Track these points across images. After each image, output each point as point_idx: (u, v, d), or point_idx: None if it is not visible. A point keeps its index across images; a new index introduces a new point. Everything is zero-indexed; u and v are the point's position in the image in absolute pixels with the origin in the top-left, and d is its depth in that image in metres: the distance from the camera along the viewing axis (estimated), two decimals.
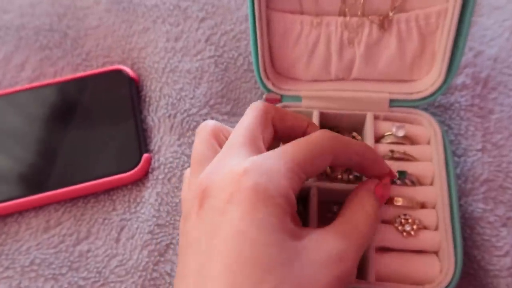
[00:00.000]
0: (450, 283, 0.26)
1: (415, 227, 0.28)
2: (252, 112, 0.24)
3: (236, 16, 0.39)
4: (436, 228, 0.28)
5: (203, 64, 0.37)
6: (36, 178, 0.33)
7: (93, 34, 0.40)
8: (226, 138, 0.25)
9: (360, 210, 0.23)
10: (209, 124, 0.25)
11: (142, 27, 0.39)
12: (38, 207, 0.33)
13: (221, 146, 0.24)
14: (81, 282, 0.30)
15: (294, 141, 0.22)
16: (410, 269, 0.27)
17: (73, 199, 0.33)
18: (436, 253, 0.28)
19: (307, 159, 0.21)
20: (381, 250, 0.28)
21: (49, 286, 0.30)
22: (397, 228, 0.28)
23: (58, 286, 0.30)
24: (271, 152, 0.22)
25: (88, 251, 0.31)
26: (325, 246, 0.20)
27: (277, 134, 0.25)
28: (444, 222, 0.28)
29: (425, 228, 0.28)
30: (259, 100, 0.25)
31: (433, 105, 0.34)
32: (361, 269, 0.27)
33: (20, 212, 0.33)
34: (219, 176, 0.21)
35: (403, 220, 0.28)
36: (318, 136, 0.22)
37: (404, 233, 0.28)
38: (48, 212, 0.32)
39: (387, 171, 0.26)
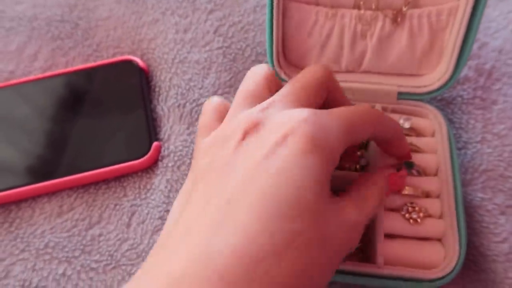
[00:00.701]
0: (454, 268, 0.27)
1: (421, 215, 0.29)
2: (314, 74, 0.24)
3: (244, 8, 0.40)
4: (440, 217, 0.29)
5: (211, 55, 0.38)
6: (49, 166, 0.34)
7: (104, 25, 0.40)
8: (276, 90, 0.25)
9: (373, 188, 0.24)
10: (264, 68, 0.25)
11: (152, 18, 0.40)
12: (51, 193, 0.34)
13: (271, 93, 0.24)
14: (94, 265, 0.31)
15: (340, 107, 0.23)
16: (416, 254, 0.28)
17: (85, 186, 0.34)
18: (439, 240, 0.29)
19: (354, 124, 0.22)
20: (388, 236, 0.29)
21: (63, 268, 0.31)
22: (404, 216, 0.29)
23: (71, 268, 0.31)
24: (324, 110, 0.22)
25: (100, 235, 0.32)
26: (346, 213, 0.21)
27: (323, 102, 0.25)
28: (448, 210, 0.28)
29: (430, 216, 0.29)
30: (321, 64, 0.25)
31: (436, 98, 0.35)
32: (370, 254, 0.28)
33: (34, 198, 0.34)
34: (276, 116, 0.21)
35: (410, 208, 0.29)
36: (363, 107, 0.23)
37: (411, 221, 0.29)
38: (61, 198, 0.33)
39: (407, 151, 0.28)
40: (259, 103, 0.23)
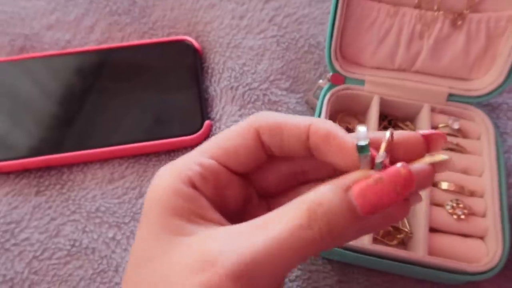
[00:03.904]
0: (498, 263, 0.28)
1: (466, 211, 0.29)
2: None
3: (299, 1, 0.41)
4: (484, 216, 0.30)
5: (265, 42, 0.39)
6: (102, 133, 0.35)
7: (161, 5, 0.41)
8: None
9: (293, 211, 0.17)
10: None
11: (209, 3, 0.41)
12: (103, 160, 0.35)
13: None
14: None
15: None
16: (459, 249, 0.29)
17: (136, 156, 0.35)
18: (481, 238, 0.30)
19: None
20: (432, 230, 0.29)
21: (113, 232, 0.32)
22: (448, 211, 0.30)
23: (121, 233, 0.32)
24: None
25: None
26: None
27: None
28: (493, 209, 0.29)
29: (473, 214, 0.30)
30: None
31: (481, 103, 0.36)
32: (414, 245, 0.29)
33: (85, 163, 0.35)
34: None
35: (454, 205, 0.30)
36: None
37: (455, 216, 0.29)
38: (112, 166, 0.34)
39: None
40: None
